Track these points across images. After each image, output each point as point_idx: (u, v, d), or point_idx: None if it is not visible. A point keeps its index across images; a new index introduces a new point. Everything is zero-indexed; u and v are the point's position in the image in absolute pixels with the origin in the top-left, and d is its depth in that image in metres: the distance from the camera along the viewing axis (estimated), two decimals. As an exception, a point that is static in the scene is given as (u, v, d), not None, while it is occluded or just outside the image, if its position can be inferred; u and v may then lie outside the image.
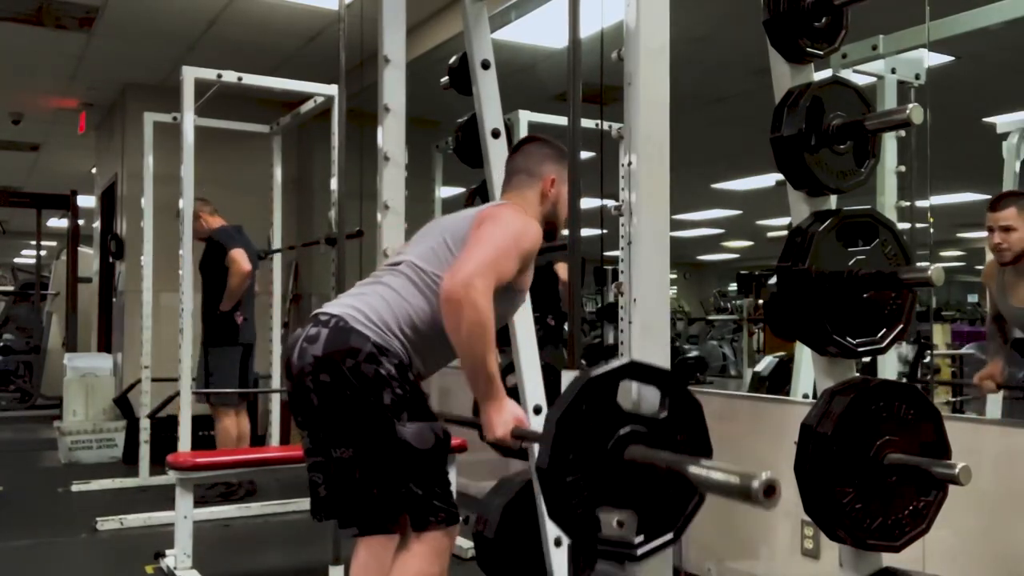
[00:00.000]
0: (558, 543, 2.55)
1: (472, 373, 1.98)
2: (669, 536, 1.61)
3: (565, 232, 2.18)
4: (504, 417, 1.99)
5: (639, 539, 1.58)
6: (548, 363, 2.83)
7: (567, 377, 1.71)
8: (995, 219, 3.14)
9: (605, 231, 2.96)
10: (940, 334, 5.92)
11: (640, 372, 1.61)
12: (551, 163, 2.29)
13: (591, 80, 1.99)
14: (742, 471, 1.26)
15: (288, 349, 2.11)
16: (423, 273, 2.12)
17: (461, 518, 2.15)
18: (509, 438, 1.99)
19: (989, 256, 3.30)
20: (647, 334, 1.93)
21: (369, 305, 2.08)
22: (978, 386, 3.48)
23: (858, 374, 1.82)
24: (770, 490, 1.23)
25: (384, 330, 2.04)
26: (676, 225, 10.64)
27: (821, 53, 1.81)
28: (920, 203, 3.23)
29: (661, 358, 1.95)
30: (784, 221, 4.23)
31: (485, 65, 2.75)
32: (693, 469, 1.38)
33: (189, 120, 4.27)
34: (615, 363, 1.58)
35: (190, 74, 4.29)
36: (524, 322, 2.69)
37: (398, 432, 1.99)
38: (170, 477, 3.61)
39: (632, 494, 1.56)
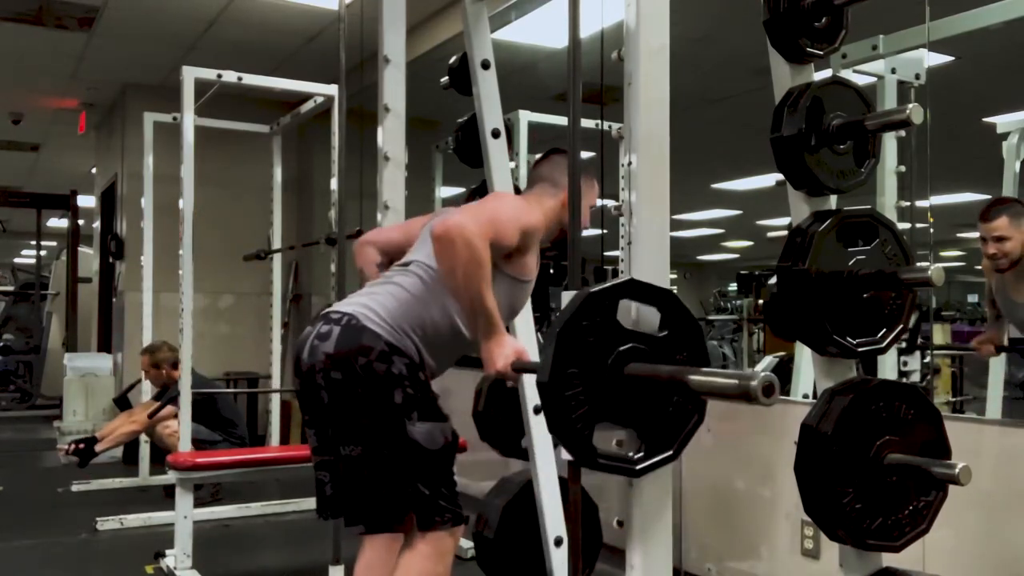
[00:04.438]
0: (558, 543, 2.55)
1: (470, 311, 2.01)
2: (668, 453, 1.62)
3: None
4: (504, 351, 1.98)
5: (638, 455, 1.59)
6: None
7: (567, 296, 1.71)
8: (987, 229, 3.10)
9: (605, 231, 2.97)
10: (940, 334, 5.93)
11: (640, 291, 1.60)
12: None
13: (591, 80, 1.98)
14: (741, 373, 1.31)
15: (298, 347, 2.11)
16: (434, 272, 2.12)
17: (463, 519, 2.16)
18: (510, 370, 1.98)
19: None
20: (647, 334, 1.93)
21: (381, 304, 2.09)
22: (978, 350, 3.59)
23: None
24: (768, 389, 1.25)
25: (396, 329, 2.05)
26: (676, 225, 10.62)
27: (821, 53, 1.80)
28: (920, 203, 3.22)
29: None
30: (784, 221, 4.22)
31: (485, 65, 2.74)
32: (694, 377, 1.40)
33: (189, 120, 4.26)
34: (615, 280, 1.58)
35: (190, 74, 4.28)
36: (524, 320, 2.69)
37: (408, 431, 2.00)
38: (170, 477, 3.61)
39: (632, 411, 1.57)
